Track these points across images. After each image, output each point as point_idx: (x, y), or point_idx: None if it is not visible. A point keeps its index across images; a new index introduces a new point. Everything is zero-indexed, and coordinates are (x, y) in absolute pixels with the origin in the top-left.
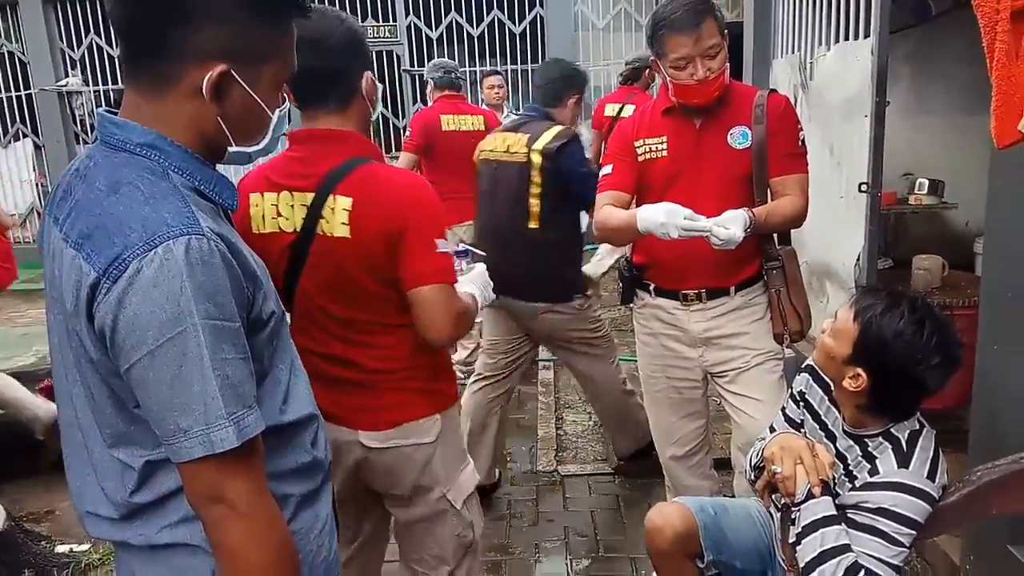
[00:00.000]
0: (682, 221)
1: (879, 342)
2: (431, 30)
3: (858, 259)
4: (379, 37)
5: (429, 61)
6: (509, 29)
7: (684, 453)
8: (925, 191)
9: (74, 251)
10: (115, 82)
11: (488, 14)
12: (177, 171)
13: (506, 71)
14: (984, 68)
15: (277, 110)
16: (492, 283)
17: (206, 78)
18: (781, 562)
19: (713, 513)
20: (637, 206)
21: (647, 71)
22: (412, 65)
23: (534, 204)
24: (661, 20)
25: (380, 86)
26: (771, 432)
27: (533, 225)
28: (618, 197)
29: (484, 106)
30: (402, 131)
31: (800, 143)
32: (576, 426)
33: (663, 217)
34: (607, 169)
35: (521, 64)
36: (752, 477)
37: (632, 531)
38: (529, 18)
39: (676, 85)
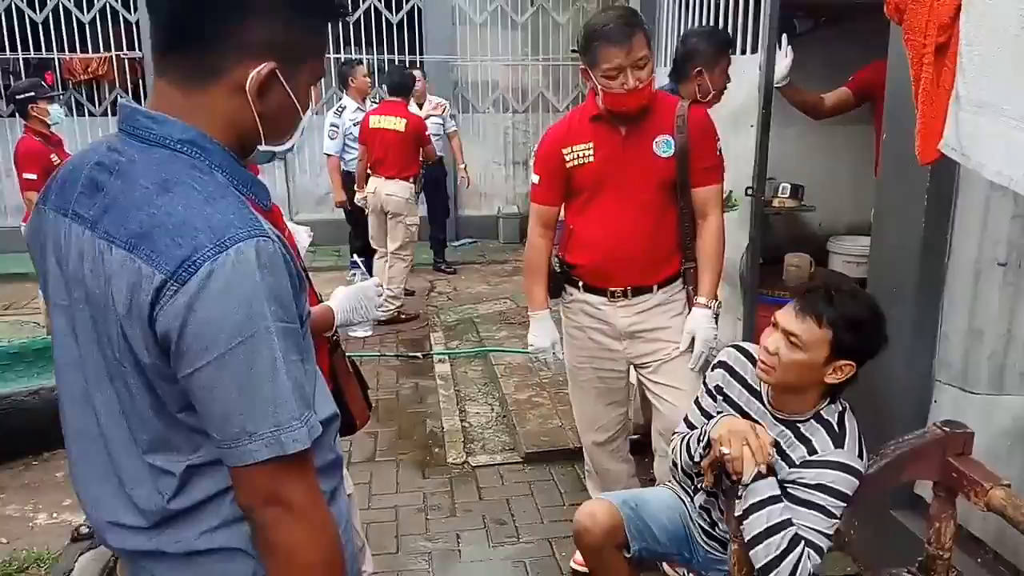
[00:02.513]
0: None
1: (855, 332)
2: None
3: (743, 256)
4: None
5: None
6: (386, 18)
7: (605, 439)
8: (788, 195)
9: (126, 251)
10: (24, 50)
11: (364, 1)
12: (219, 169)
13: (382, 61)
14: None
15: (308, 111)
16: (379, 300)
17: (254, 73)
18: (701, 543)
19: (634, 506)
20: (566, 209)
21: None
22: None
23: None
24: (594, 32)
25: None
26: (686, 424)
27: None
28: (544, 214)
29: (353, 97)
30: None
31: (718, 154)
32: (480, 417)
33: None
34: (535, 178)
35: (398, 55)
36: (698, 457)
37: (547, 515)
38: (407, 8)
39: (607, 94)
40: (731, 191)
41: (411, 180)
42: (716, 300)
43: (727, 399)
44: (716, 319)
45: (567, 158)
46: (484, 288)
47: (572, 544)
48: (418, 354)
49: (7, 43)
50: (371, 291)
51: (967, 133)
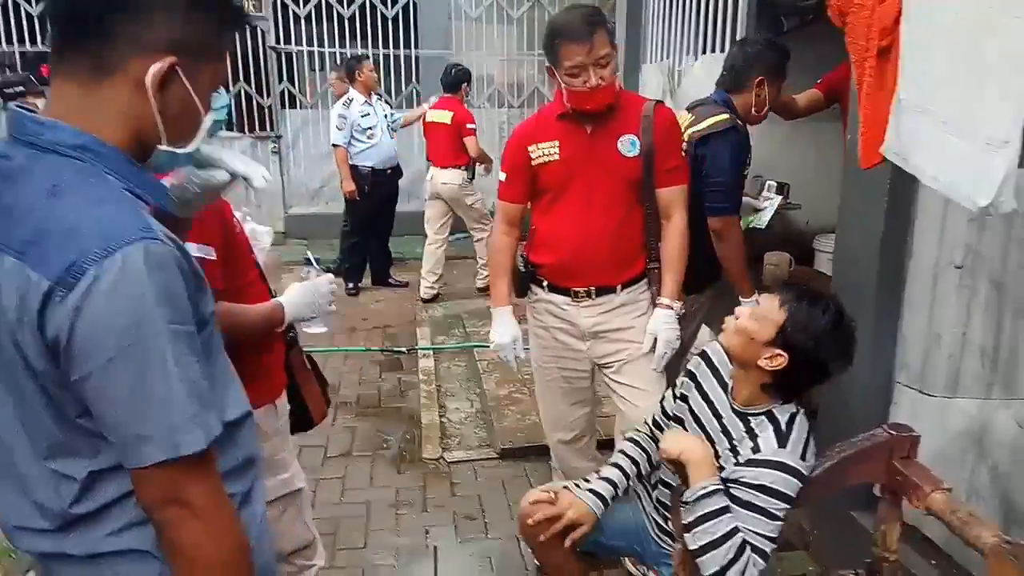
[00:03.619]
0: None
1: (804, 329)
2: (299, 7)
3: None
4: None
5: (296, 39)
6: (381, 12)
7: (571, 438)
8: (773, 192)
9: (15, 259)
10: (20, 43)
11: None
12: (112, 174)
13: (377, 55)
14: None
15: (209, 114)
16: (331, 297)
17: (153, 68)
18: (655, 537)
19: None
20: (531, 209)
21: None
22: (278, 42)
23: None
24: (556, 30)
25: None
26: (651, 425)
27: None
28: (509, 211)
29: (360, 91)
30: (267, 110)
31: (683, 155)
32: (459, 413)
33: None
34: (502, 176)
35: (393, 49)
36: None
37: (517, 511)
38: (402, 2)
39: (570, 92)
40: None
41: (463, 168)
42: (679, 301)
43: (697, 386)
44: (679, 320)
45: (532, 156)
46: (475, 283)
47: None
48: (403, 349)
49: (3, 36)
50: (324, 287)
51: (907, 137)
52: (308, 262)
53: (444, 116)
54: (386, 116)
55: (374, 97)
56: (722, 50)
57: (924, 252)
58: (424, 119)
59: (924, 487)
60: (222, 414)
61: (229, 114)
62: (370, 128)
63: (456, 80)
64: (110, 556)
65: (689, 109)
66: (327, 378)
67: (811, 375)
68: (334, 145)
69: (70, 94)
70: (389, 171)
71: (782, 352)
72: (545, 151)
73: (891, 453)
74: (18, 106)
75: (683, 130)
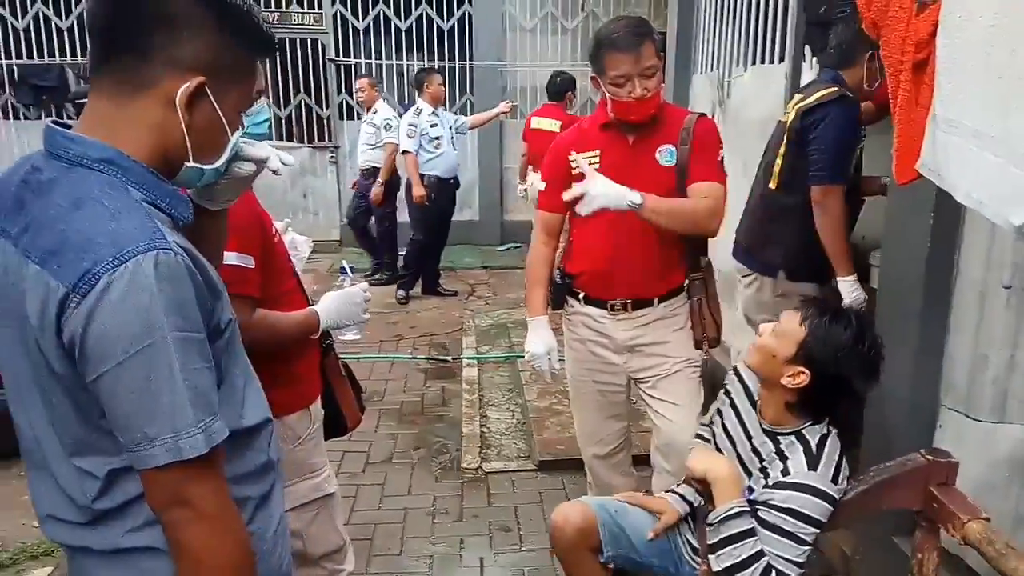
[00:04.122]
0: None
1: (825, 345)
2: (358, 20)
3: None
4: (304, 25)
5: (355, 51)
6: (437, 24)
7: (606, 452)
8: None
9: (39, 267)
10: (18, 56)
11: (416, 8)
12: (135, 186)
13: (433, 67)
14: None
15: (236, 132)
16: (365, 305)
17: (183, 87)
18: (688, 558)
19: (613, 511)
20: (570, 219)
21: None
22: (338, 55)
23: (778, 163)
24: (603, 39)
25: None
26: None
27: (771, 185)
28: (548, 221)
29: (428, 102)
30: (325, 121)
31: (719, 160)
32: (500, 423)
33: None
34: (542, 185)
35: (448, 60)
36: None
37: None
38: (457, 15)
39: (615, 102)
40: None
41: None
42: (648, 201)
43: (731, 403)
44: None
45: (573, 164)
46: (523, 293)
47: None
48: (448, 357)
49: (78, 48)
50: (357, 296)
51: (941, 153)
52: (343, 271)
53: (552, 124)
54: (452, 124)
55: (440, 108)
56: (771, 61)
57: (971, 270)
58: (528, 127)
59: (961, 515)
60: (238, 419)
61: (270, 127)
62: (438, 139)
63: (561, 88)
64: (129, 552)
65: (799, 91)
66: (374, 385)
67: (835, 393)
68: (404, 152)
69: (102, 109)
70: (451, 181)
71: (804, 370)
72: (586, 160)
73: (928, 479)
74: (53, 122)
75: (791, 107)
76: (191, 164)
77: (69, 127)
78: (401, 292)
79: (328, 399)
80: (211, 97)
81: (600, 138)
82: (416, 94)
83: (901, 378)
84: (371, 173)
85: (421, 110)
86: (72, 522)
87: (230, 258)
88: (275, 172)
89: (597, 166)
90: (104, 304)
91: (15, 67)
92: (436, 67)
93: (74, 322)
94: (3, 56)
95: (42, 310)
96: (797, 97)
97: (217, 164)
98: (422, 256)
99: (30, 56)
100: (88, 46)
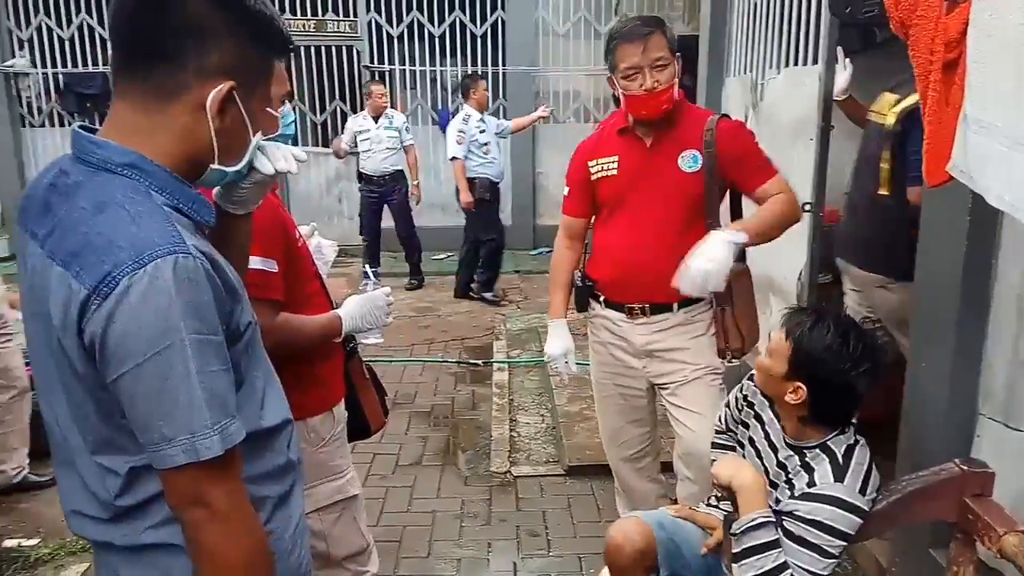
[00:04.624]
0: None
1: (810, 355)
2: (392, 27)
3: (800, 274)
4: (339, 32)
5: (389, 58)
6: (470, 30)
7: (630, 455)
8: None
9: (62, 269)
10: (63, 65)
11: (450, 14)
12: (157, 190)
13: (476, 72)
14: None
15: (259, 133)
16: (388, 309)
17: (214, 92)
18: (726, 571)
19: (669, 528)
20: (593, 223)
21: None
22: (372, 61)
23: (884, 168)
24: (614, 34)
25: None
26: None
27: (883, 191)
28: (570, 225)
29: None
30: None
31: (763, 152)
32: (529, 428)
33: None
34: (565, 190)
35: (481, 66)
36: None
37: (581, 530)
38: (491, 21)
39: (627, 98)
40: None
41: None
42: (744, 234)
43: (756, 416)
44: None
45: (592, 171)
46: None
47: (601, 561)
48: (479, 361)
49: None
50: (380, 300)
51: (973, 155)
52: (366, 275)
53: None
54: (496, 129)
55: (484, 114)
56: (804, 63)
57: (1010, 274)
58: None
59: (997, 528)
60: (257, 421)
61: (295, 129)
62: (487, 144)
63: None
64: (150, 548)
65: (891, 90)
66: (405, 388)
67: (839, 397)
68: (453, 158)
69: (128, 114)
70: (498, 184)
71: (800, 384)
72: (604, 166)
73: (962, 489)
74: (80, 126)
75: (887, 110)
76: (215, 166)
77: (95, 131)
78: (489, 294)
79: (352, 402)
80: (238, 100)
81: (618, 143)
82: (461, 100)
83: (938, 386)
84: (398, 177)
85: (469, 116)
86: (96, 518)
87: (254, 262)
88: (290, 172)
89: (615, 171)
90: (123, 306)
91: (60, 75)
92: (474, 72)
93: (95, 324)
94: (50, 65)
95: (64, 311)
96: (890, 98)
97: (240, 165)
98: (499, 254)
99: (75, 65)
100: (110, 54)
